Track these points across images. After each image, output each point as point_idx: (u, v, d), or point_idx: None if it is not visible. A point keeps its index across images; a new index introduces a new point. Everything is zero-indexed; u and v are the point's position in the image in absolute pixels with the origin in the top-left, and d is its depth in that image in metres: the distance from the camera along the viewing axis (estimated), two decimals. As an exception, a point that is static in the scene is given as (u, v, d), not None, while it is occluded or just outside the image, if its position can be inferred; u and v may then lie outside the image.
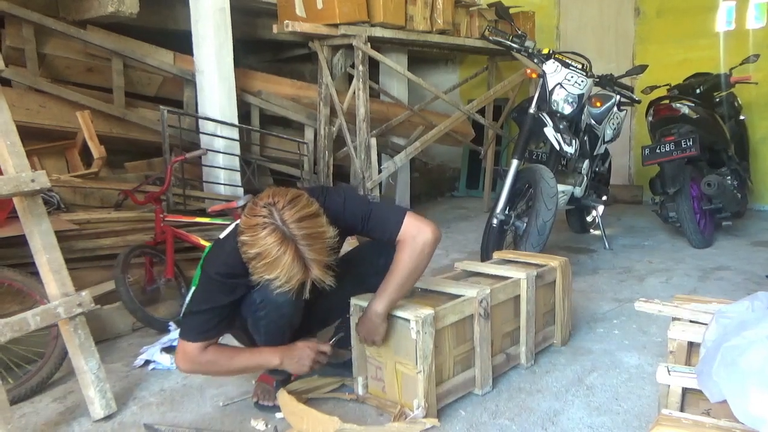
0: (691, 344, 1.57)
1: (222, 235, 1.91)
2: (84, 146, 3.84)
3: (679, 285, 3.27)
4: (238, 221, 1.85)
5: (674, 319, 1.69)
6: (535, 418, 1.92)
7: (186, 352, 1.83)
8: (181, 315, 1.92)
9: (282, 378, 2.07)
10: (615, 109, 3.95)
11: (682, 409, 1.31)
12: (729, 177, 4.20)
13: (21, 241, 2.51)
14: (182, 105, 4.58)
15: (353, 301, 2.01)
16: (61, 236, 2.59)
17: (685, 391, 1.34)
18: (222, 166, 4.32)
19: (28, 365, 2.27)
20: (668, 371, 1.34)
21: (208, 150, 3.88)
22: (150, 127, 4.34)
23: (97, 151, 3.61)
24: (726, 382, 1.02)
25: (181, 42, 4.42)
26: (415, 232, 1.82)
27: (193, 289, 2.77)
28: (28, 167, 2.01)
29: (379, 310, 1.85)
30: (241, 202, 3.26)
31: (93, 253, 3.01)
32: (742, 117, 4.86)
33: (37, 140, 3.90)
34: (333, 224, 1.65)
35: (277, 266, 1.55)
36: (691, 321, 1.65)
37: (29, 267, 2.43)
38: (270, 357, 1.91)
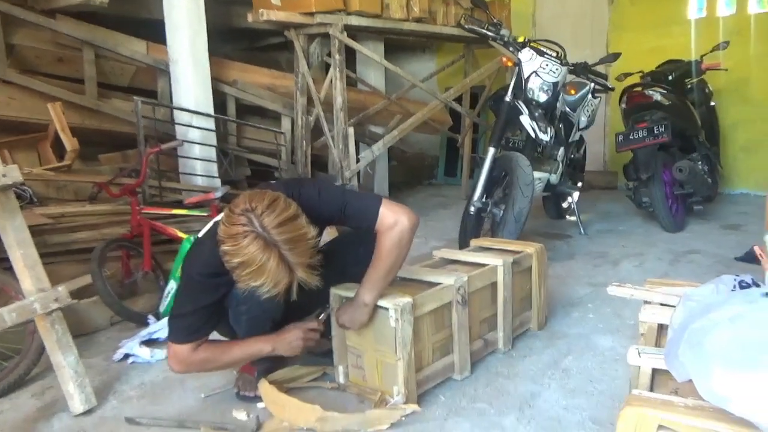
0: (661, 326, 1.62)
1: (200, 234, 1.91)
2: (56, 139, 3.77)
3: (651, 269, 3.35)
4: (217, 218, 1.85)
5: (645, 302, 1.74)
6: (512, 401, 1.97)
7: (178, 354, 1.83)
8: (168, 317, 1.90)
9: (263, 368, 2.08)
10: (589, 96, 4.00)
11: (651, 389, 1.36)
12: (700, 162, 4.29)
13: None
14: (156, 95, 4.51)
15: (333, 291, 2.03)
16: (35, 230, 2.57)
17: (655, 371, 1.38)
18: (198, 157, 4.28)
19: (5, 362, 2.25)
20: (638, 353, 1.38)
21: (183, 141, 3.84)
22: (124, 118, 4.28)
23: (69, 143, 3.55)
24: (692, 363, 1.06)
25: (154, 31, 4.35)
26: (392, 221, 1.83)
27: (173, 289, 2.77)
28: (-1, 162, 1.98)
29: (368, 300, 1.88)
30: (218, 194, 3.25)
31: (68, 247, 2.98)
32: (712, 103, 4.97)
33: (7, 133, 3.82)
34: (310, 217, 1.65)
35: (262, 273, 1.54)
36: (661, 304, 1.70)
37: (2, 263, 2.41)
38: (262, 345, 1.92)
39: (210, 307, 1.82)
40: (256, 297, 1.68)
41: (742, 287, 1.24)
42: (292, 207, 1.60)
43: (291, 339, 1.95)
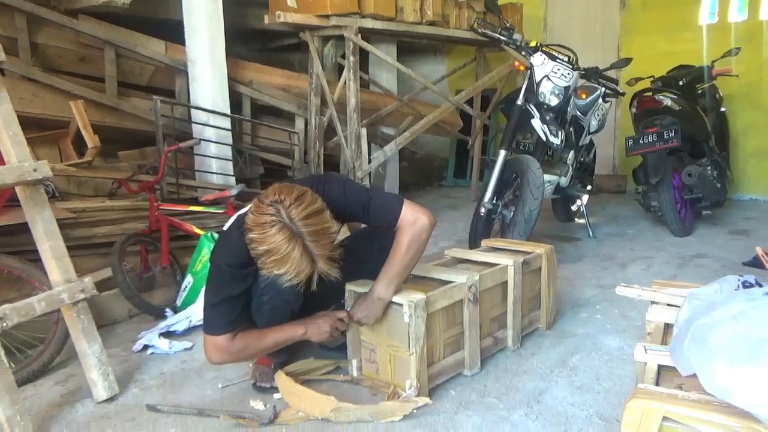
0: (667, 326, 1.67)
1: (226, 227, 1.97)
2: (76, 135, 3.86)
3: (659, 272, 3.39)
4: (240, 212, 1.92)
5: (652, 302, 1.79)
6: (521, 396, 2.02)
7: (217, 346, 1.89)
8: (202, 309, 1.96)
9: (280, 360, 2.15)
10: (600, 100, 4.05)
11: (657, 384, 1.41)
12: (709, 167, 4.33)
13: (18, 229, 2.57)
14: (174, 94, 4.60)
15: (348, 287, 2.10)
16: (59, 224, 2.64)
17: (661, 368, 1.43)
18: (214, 155, 4.36)
19: (30, 350, 2.33)
20: (645, 349, 1.43)
21: (201, 139, 3.92)
22: (142, 116, 4.36)
23: (91, 140, 3.64)
24: (696, 357, 1.12)
25: (173, 32, 4.44)
26: (413, 218, 1.91)
27: (190, 283, 2.82)
28: (29, 157, 2.06)
29: (383, 294, 1.94)
30: (233, 191, 3.32)
31: (89, 241, 3.05)
32: (723, 109, 4.99)
33: (30, 129, 3.90)
34: (333, 212, 1.73)
35: (286, 262, 1.62)
36: (668, 304, 1.75)
37: (26, 255, 2.49)
38: (295, 329, 2.00)
39: (240, 297, 1.89)
40: (278, 287, 1.75)
41: (745, 287, 1.29)
42: (318, 201, 1.68)
43: (321, 324, 2.02)
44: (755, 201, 5.48)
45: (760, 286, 1.29)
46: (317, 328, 2.01)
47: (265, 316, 1.98)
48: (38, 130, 3.96)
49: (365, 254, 2.09)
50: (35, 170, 2.02)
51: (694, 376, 1.20)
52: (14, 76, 3.92)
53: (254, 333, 1.97)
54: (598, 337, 2.52)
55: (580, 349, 2.40)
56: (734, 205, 5.26)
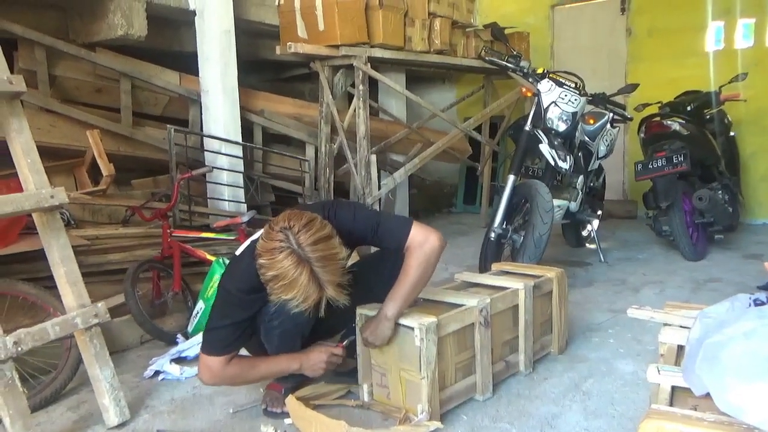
0: (680, 347, 1.66)
1: (238, 252, 2.00)
2: (92, 164, 3.94)
3: (672, 296, 3.36)
4: (253, 238, 1.95)
5: (665, 324, 1.78)
6: (533, 422, 2.00)
7: (210, 367, 1.92)
8: (204, 330, 1.99)
9: (291, 385, 2.15)
10: (608, 126, 4.07)
11: (671, 406, 1.40)
12: (720, 191, 4.31)
13: (33, 257, 2.61)
14: (187, 124, 4.69)
15: (359, 310, 2.10)
16: (72, 251, 2.68)
17: (674, 389, 1.42)
18: (226, 182, 4.42)
19: (43, 376, 2.34)
20: (658, 370, 1.43)
21: (213, 167, 3.99)
22: (156, 145, 4.44)
23: (106, 168, 3.71)
24: (707, 375, 1.11)
25: (187, 63, 4.55)
26: (422, 239, 1.93)
27: (202, 309, 2.85)
28: (47, 184, 2.11)
29: (390, 314, 1.95)
30: (245, 218, 3.35)
31: (102, 267, 3.10)
32: (732, 133, 4.99)
33: (46, 159, 3.98)
34: (343, 236, 1.75)
35: (293, 287, 1.64)
36: (680, 326, 1.74)
37: (41, 282, 2.52)
38: (290, 362, 2.01)
39: (244, 323, 1.91)
40: (287, 312, 1.76)
41: (756, 304, 1.29)
42: (327, 228, 1.71)
43: (315, 360, 2.04)
44: (768, 226, 5.44)
45: (772, 304, 1.29)
46: (311, 363, 2.03)
47: (276, 340, 1.99)
48: (55, 159, 4.05)
49: (376, 278, 2.10)
50: (52, 197, 2.06)
51: (708, 396, 1.19)
52: (33, 108, 4.03)
53: (249, 361, 1.99)
54: (611, 361, 2.49)
55: (594, 374, 2.37)
56: (747, 229, 5.22)
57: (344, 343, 2.17)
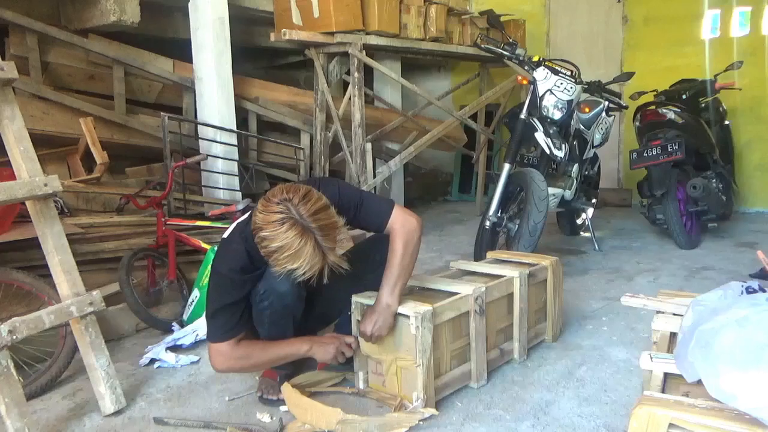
0: (673, 335, 1.67)
1: (225, 235, 2.00)
2: (86, 152, 3.91)
3: (666, 284, 3.38)
4: (239, 220, 1.97)
5: (658, 312, 1.80)
6: (527, 408, 2.02)
7: (220, 352, 1.93)
8: (206, 319, 2.00)
9: (286, 372, 2.16)
10: (603, 114, 4.07)
11: (663, 392, 1.41)
12: (714, 180, 4.33)
13: (28, 245, 2.60)
14: (181, 111, 4.66)
15: (355, 299, 2.10)
16: (67, 239, 2.67)
17: (667, 376, 1.44)
18: (221, 171, 4.40)
19: (38, 364, 2.34)
20: (651, 358, 1.44)
21: (207, 155, 3.97)
22: (150, 133, 4.42)
23: (100, 156, 3.69)
24: (700, 362, 1.12)
25: (181, 50, 4.51)
26: (402, 220, 1.98)
27: (197, 297, 2.86)
28: (40, 172, 2.09)
29: (391, 302, 1.97)
30: (240, 206, 3.34)
31: (97, 256, 3.08)
32: (727, 122, 5.00)
33: (39, 146, 3.96)
34: None
35: (300, 257, 1.66)
36: (673, 314, 1.75)
37: (36, 270, 2.51)
38: (300, 345, 2.03)
39: (239, 303, 1.92)
40: (277, 291, 1.77)
41: (749, 292, 1.30)
42: (323, 198, 1.74)
43: (328, 345, 2.06)
44: (762, 214, 5.46)
45: (764, 291, 1.30)
46: (323, 348, 2.05)
47: (266, 322, 2.00)
48: (48, 147, 4.02)
49: (367, 264, 2.10)
50: (46, 185, 2.05)
51: (700, 383, 1.21)
52: (25, 95, 3.99)
53: (259, 343, 2.00)
54: (604, 348, 2.51)
55: (587, 361, 2.39)
56: (741, 218, 5.25)
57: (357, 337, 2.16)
